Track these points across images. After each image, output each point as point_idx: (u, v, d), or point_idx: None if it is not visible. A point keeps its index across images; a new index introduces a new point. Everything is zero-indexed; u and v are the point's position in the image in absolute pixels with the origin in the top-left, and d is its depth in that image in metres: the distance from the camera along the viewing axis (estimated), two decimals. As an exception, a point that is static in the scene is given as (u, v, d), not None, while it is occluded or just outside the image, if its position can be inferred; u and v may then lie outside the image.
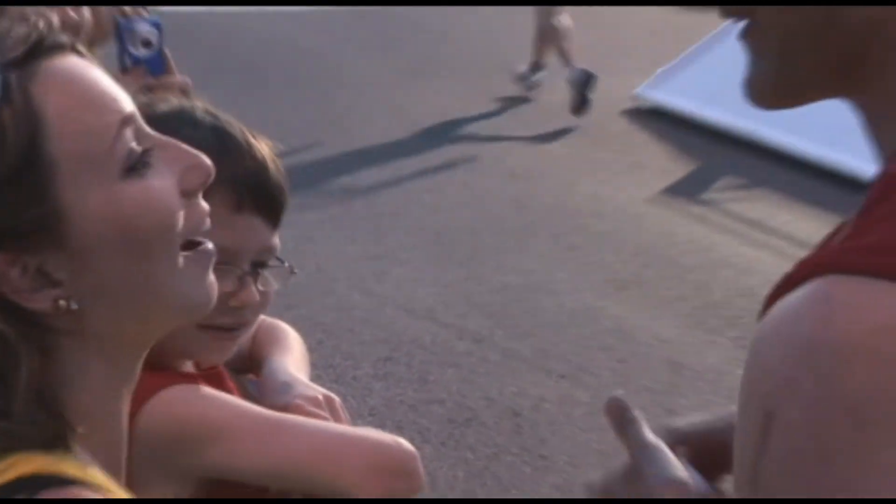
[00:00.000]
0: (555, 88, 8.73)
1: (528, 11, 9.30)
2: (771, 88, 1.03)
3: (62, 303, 1.04)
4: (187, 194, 1.10)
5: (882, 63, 0.96)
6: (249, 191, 1.50)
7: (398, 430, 2.16)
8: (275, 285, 1.63)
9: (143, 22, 2.78)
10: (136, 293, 1.09)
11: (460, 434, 4.12)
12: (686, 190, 6.92)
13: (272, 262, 1.63)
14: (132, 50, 2.60)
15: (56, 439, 1.04)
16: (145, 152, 1.08)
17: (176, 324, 1.18)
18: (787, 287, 0.89)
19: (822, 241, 0.98)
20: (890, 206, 0.88)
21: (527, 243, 5.96)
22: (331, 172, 6.73)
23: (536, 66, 9.30)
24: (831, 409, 0.81)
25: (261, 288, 1.60)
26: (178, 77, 2.80)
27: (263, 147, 1.60)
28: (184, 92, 2.23)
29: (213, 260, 1.16)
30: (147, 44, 2.75)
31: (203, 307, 1.16)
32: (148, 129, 1.11)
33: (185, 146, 1.12)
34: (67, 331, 1.06)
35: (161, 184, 1.08)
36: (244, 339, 1.68)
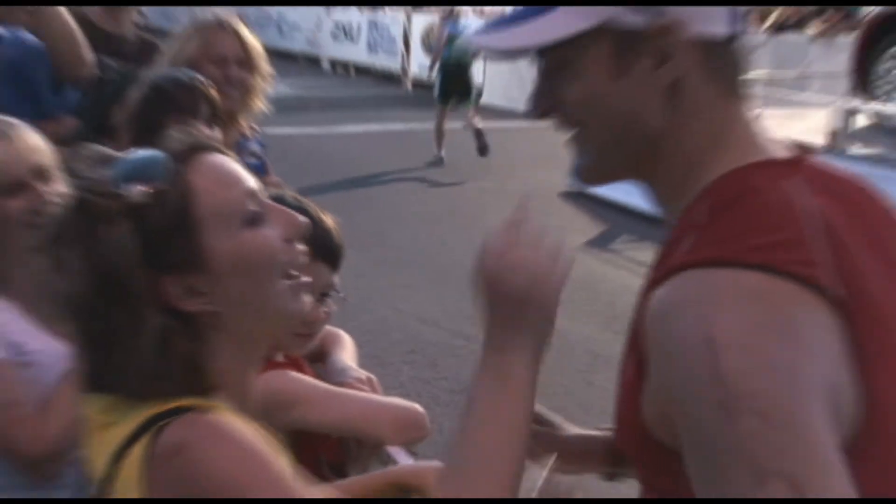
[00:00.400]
0: (523, 179, 8.74)
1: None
2: (592, 173, 1.04)
3: (205, 307, 1.05)
4: (287, 240, 1.10)
5: (666, 160, 0.96)
6: (318, 248, 1.49)
7: (417, 398, 2.15)
8: (335, 307, 1.62)
9: (253, 141, 2.78)
10: (252, 304, 1.08)
11: (458, 399, 4.05)
12: (600, 243, 6.87)
13: (333, 293, 1.62)
14: (245, 159, 2.58)
15: (203, 391, 1.04)
16: (260, 213, 1.08)
17: (281, 327, 1.16)
18: (654, 285, 0.89)
19: (657, 262, 0.97)
20: (717, 228, 0.89)
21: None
22: (373, 233, 6.70)
23: (483, 147, 9.36)
24: (758, 331, 0.80)
25: (325, 310, 1.59)
26: (274, 178, 2.81)
27: (329, 220, 1.60)
28: (278, 186, 2.23)
29: (308, 288, 1.15)
30: (255, 155, 2.74)
31: (296, 317, 1.14)
32: (263, 198, 1.11)
33: (288, 209, 1.13)
34: (211, 326, 1.06)
35: (269, 233, 1.08)
36: (316, 340, 1.67)
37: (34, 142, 1.80)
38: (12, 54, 2.56)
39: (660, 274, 0.89)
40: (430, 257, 6.42)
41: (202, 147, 1.10)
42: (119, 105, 2.39)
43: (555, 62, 0.96)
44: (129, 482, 0.99)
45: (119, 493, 1.01)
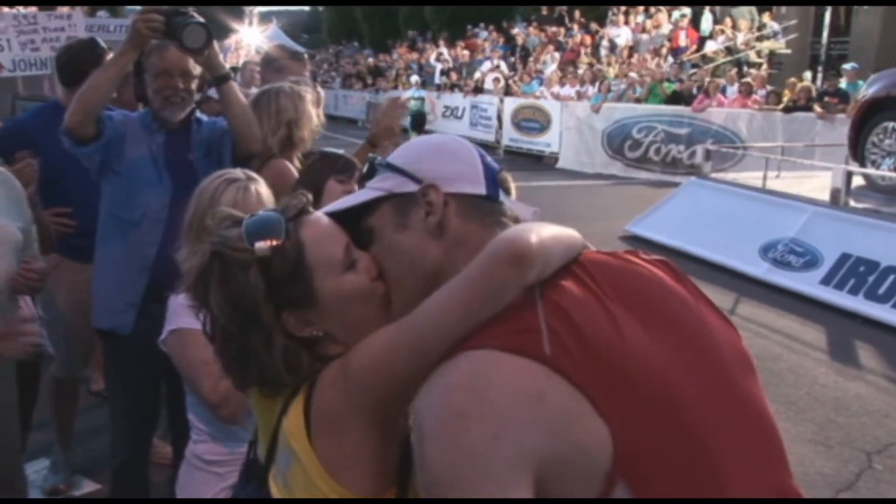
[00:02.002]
0: (588, 226, 8.96)
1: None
2: (400, 307, 1.01)
3: (315, 332, 1.04)
4: (373, 278, 1.06)
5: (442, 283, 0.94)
6: None
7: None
8: None
9: None
10: (353, 324, 1.04)
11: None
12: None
13: None
14: None
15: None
16: (354, 260, 1.05)
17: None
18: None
19: None
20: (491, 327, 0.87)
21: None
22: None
23: None
24: (451, 417, 0.79)
25: None
26: None
27: None
28: None
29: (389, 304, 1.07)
30: None
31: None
32: (355, 248, 1.06)
33: (371, 260, 1.06)
34: (320, 343, 1.05)
35: (361, 276, 1.05)
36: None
37: (264, 195, 1.91)
38: (208, 135, 2.67)
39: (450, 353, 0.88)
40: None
41: (306, 210, 1.08)
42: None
43: (367, 232, 1.05)
44: (296, 417, 1.00)
45: (287, 430, 1.01)
